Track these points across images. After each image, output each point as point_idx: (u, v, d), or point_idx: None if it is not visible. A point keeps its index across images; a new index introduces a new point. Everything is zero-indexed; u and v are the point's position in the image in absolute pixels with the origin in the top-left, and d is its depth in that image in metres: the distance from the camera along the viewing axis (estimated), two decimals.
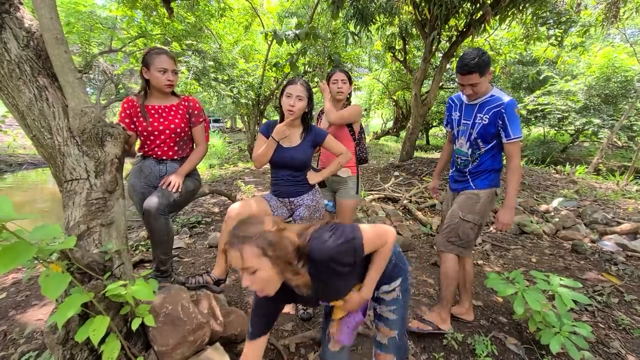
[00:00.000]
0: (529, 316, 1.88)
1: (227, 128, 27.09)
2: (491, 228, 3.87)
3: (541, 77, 10.87)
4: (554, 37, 7.13)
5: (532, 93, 10.76)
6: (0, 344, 1.80)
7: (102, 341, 1.21)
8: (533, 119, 11.42)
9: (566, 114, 9.96)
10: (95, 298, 1.18)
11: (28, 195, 7.09)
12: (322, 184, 2.22)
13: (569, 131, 12.19)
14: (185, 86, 9.45)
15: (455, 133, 2.00)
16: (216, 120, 27.11)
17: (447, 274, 1.94)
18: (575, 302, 2.09)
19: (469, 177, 1.95)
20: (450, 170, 2.11)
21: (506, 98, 1.76)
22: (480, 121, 1.81)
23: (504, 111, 1.72)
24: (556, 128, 11.94)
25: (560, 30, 6.90)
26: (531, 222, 3.85)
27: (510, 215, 1.79)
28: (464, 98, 1.94)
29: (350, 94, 2.31)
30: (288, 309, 2.22)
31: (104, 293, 1.18)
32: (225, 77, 10.52)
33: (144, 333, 1.45)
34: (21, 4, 1.41)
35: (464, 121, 1.91)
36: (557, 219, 3.97)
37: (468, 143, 1.90)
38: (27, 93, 1.35)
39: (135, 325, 1.23)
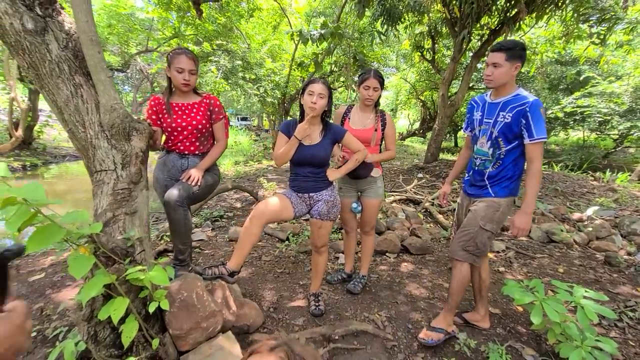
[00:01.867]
0: (548, 327, 1.80)
1: (254, 126, 27.66)
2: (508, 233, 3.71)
3: (581, 78, 10.23)
4: (596, 35, 6.69)
5: (571, 95, 10.14)
6: (37, 319, 1.97)
7: (123, 321, 1.30)
8: (571, 122, 10.75)
9: (608, 117, 9.31)
10: (117, 280, 1.27)
11: (68, 185, 7.63)
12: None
13: (612, 136, 11.37)
14: (215, 85, 9.77)
15: (476, 133, 1.94)
16: (244, 119, 27.73)
17: (460, 282, 1.90)
18: (602, 316, 1.98)
19: (487, 182, 1.87)
20: (466, 174, 2.05)
21: (531, 98, 1.72)
22: (502, 119, 1.77)
23: (528, 110, 1.67)
24: (597, 132, 11.19)
25: (604, 28, 6.48)
26: (561, 230, 3.66)
27: (527, 220, 1.72)
28: (487, 97, 1.91)
29: (379, 97, 2.22)
30: (300, 303, 2.26)
31: (125, 276, 1.27)
32: (253, 77, 10.74)
33: (161, 317, 1.54)
34: (63, 8, 1.54)
35: (486, 120, 1.86)
36: (590, 229, 3.74)
37: (489, 142, 1.84)
38: (65, 90, 1.47)
39: (151, 308, 1.32)
